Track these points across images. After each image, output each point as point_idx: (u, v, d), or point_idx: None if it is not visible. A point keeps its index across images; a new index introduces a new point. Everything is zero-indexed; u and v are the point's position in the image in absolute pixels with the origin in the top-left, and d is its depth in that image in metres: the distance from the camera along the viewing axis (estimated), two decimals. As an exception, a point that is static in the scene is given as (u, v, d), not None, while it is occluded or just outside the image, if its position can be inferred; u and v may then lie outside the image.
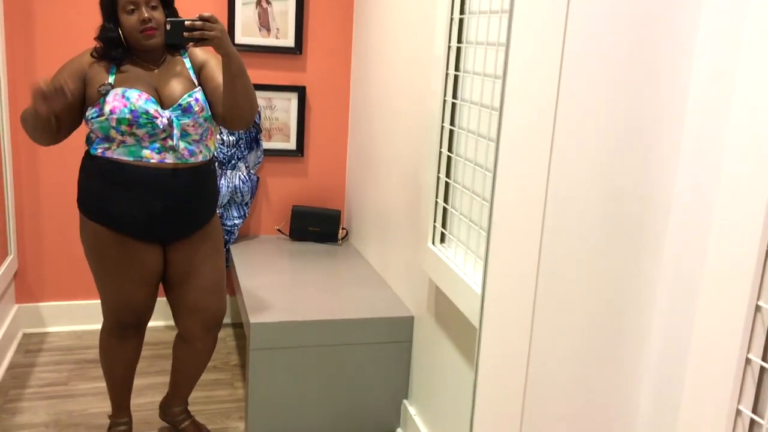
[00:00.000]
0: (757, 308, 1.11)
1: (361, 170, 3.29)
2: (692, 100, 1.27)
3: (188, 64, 2.21)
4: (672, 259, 1.32)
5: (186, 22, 1.95)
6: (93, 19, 3.05)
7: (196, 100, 2.15)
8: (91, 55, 2.15)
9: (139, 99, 2.08)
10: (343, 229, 3.55)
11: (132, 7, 2.07)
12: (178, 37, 1.98)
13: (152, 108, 2.09)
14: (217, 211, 3.24)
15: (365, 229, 3.25)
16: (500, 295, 1.27)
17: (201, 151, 2.21)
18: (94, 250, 2.21)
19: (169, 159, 2.15)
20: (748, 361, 1.13)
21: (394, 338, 2.56)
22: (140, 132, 2.10)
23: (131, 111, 2.07)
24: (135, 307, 2.28)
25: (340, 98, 3.49)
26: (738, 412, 1.14)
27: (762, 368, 1.14)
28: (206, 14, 1.96)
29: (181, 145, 2.15)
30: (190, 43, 2.01)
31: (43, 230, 3.22)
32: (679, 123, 1.29)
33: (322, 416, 2.58)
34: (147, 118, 2.08)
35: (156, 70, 2.17)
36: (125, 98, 2.07)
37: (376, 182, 3.06)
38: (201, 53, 2.24)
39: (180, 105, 2.13)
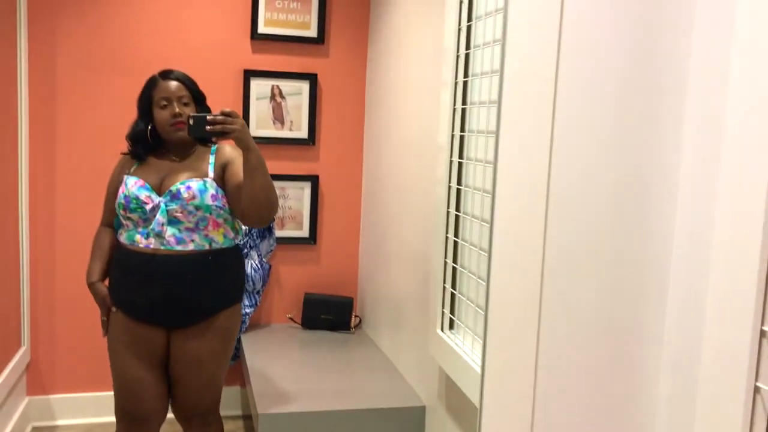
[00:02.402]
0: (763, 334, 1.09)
1: (374, 257, 3.31)
2: (690, 107, 1.29)
3: (212, 159, 2.27)
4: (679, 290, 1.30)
5: (208, 117, 2.03)
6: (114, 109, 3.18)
7: (188, 187, 2.18)
8: (122, 153, 2.36)
9: (134, 186, 2.20)
10: (356, 316, 3.53)
11: (165, 102, 2.22)
12: (201, 131, 2.05)
13: (144, 194, 2.18)
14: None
15: (378, 316, 3.23)
16: (500, 373, 1.25)
17: (194, 240, 2.20)
18: (110, 330, 2.28)
19: (153, 244, 2.19)
20: (763, 333, 1.11)
21: (405, 429, 2.50)
22: (134, 216, 2.20)
23: (125, 197, 2.20)
24: (137, 393, 2.24)
25: (352, 186, 3.55)
26: (757, 389, 1.11)
27: None
28: (227, 110, 2.05)
29: (169, 231, 2.18)
30: (213, 137, 2.09)
31: (56, 321, 3.23)
32: (676, 134, 1.30)
33: None
34: (137, 204, 2.18)
35: (177, 162, 2.26)
36: (125, 185, 2.22)
37: (387, 269, 3.07)
38: (229, 151, 2.29)
39: (170, 191, 2.18)
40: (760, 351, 1.12)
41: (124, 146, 3.12)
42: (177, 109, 2.21)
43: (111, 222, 2.37)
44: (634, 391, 1.34)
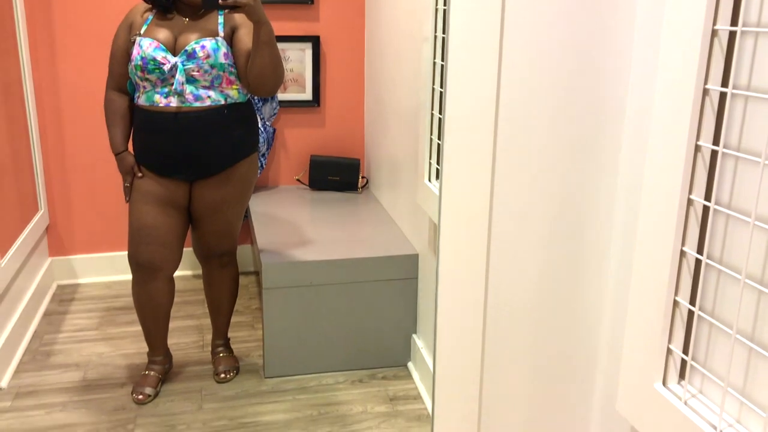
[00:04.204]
0: (690, 202, 1.14)
1: (377, 118, 3.33)
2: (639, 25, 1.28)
3: (220, 19, 2.31)
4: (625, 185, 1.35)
5: None
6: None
7: (202, 47, 2.24)
8: None
9: (149, 47, 2.25)
10: (363, 177, 3.60)
11: None
12: (214, 4, 2.08)
13: (160, 55, 2.24)
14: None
15: (380, 175, 3.31)
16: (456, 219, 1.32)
17: (210, 96, 2.29)
18: (134, 187, 2.39)
19: (174, 103, 2.27)
20: (683, 253, 1.17)
21: (400, 275, 2.64)
22: (152, 77, 2.26)
23: (141, 58, 2.25)
24: (147, 239, 2.36)
25: (355, 46, 3.52)
26: (675, 303, 1.19)
27: (697, 262, 1.17)
28: None
29: (187, 89, 2.26)
30: (225, 9, 2.10)
31: (70, 184, 3.36)
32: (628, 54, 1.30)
33: (335, 352, 2.68)
34: (154, 65, 2.24)
35: (187, 21, 2.30)
36: (140, 46, 2.26)
37: (387, 128, 3.11)
38: (238, 16, 2.32)
39: (185, 51, 2.24)
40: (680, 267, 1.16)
41: (124, 5, 3.15)
42: None
43: (120, 86, 2.40)
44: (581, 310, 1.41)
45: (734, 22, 1.10)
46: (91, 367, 2.72)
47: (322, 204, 3.30)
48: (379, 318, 2.68)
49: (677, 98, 1.15)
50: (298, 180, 3.63)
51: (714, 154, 1.15)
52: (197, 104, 2.28)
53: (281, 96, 3.51)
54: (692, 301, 1.21)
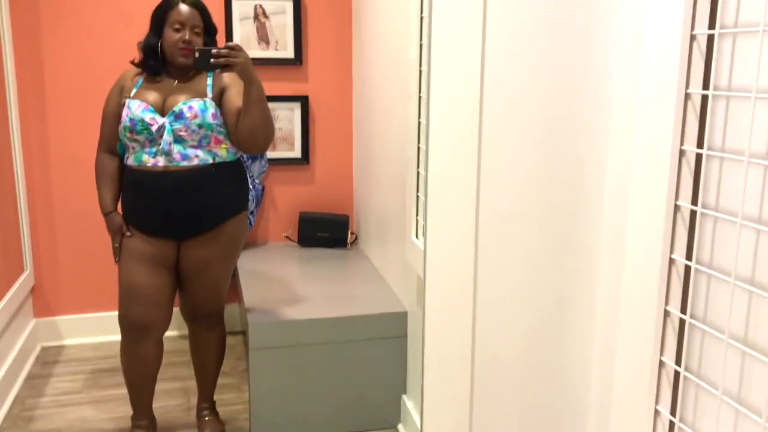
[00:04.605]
0: (671, 261, 1.14)
1: (366, 174, 3.35)
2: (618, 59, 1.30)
3: (209, 81, 2.35)
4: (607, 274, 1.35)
5: (213, 51, 2.11)
6: (101, 26, 3.19)
7: (190, 107, 2.27)
8: (131, 62, 2.40)
9: (137, 108, 2.28)
10: (352, 233, 3.60)
11: (178, 26, 2.29)
12: (206, 64, 2.13)
13: (148, 116, 2.27)
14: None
15: (370, 231, 3.31)
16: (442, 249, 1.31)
17: (198, 156, 2.31)
18: (123, 246, 2.38)
19: (161, 162, 2.29)
20: (667, 313, 1.16)
21: (389, 334, 2.61)
22: (140, 138, 2.29)
23: (130, 119, 2.28)
24: (139, 300, 2.34)
25: (343, 104, 3.57)
26: (662, 363, 1.17)
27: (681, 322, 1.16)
28: (232, 43, 2.14)
29: (175, 149, 2.29)
30: (217, 69, 2.16)
31: (57, 245, 3.35)
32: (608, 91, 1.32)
33: (324, 414, 2.63)
34: (143, 126, 2.27)
35: (176, 84, 2.34)
36: (128, 108, 2.29)
37: (376, 184, 3.12)
38: (227, 77, 2.36)
39: (173, 112, 2.28)
40: (664, 328, 1.17)
41: (113, 70, 3.19)
42: (188, 37, 2.28)
43: (111, 148, 2.43)
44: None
45: (711, 26, 1.12)
46: (74, 432, 2.66)
47: (311, 261, 3.28)
48: (368, 378, 2.64)
49: (660, 106, 1.16)
50: (287, 237, 3.63)
51: (693, 212, 1.16)
52: (185, 163, 2.30)
53: (270, 154, 3.53)
54: (678, 361, 1.20)
